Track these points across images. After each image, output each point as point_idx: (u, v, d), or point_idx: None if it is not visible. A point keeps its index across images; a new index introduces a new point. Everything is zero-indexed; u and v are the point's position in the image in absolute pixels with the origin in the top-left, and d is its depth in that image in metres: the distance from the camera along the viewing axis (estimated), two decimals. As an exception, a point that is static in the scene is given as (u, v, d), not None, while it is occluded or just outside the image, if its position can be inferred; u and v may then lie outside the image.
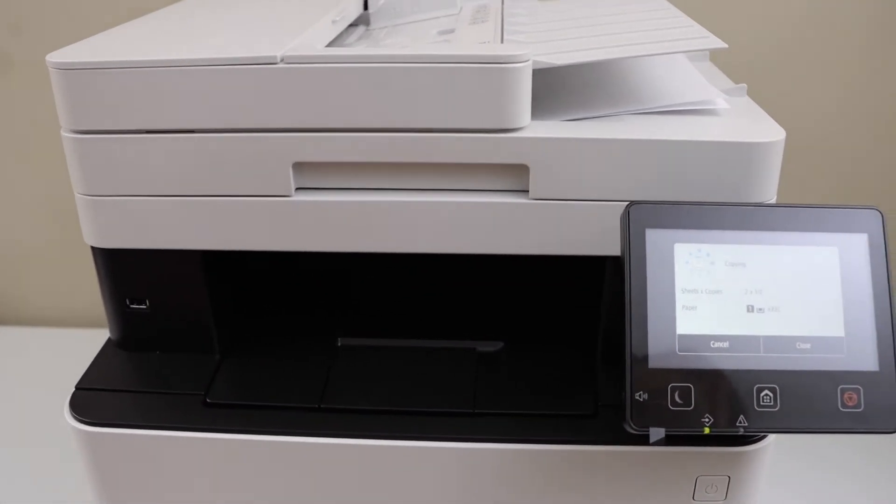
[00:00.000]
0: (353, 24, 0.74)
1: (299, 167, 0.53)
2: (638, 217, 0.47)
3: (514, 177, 0.52)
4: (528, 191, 0.52)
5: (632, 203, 0.47)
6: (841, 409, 0.45)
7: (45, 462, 0.89)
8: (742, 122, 0.53)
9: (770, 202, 0.52)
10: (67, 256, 1.16)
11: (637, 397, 0.45)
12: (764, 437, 0.52)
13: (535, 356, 0.60)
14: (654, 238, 0.47)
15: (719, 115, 0.54)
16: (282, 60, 0.50)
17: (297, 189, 0.54)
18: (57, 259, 1.17)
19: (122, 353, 0.61)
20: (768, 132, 0.51)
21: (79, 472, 0.58)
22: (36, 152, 1.08)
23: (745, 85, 0.59)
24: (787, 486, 0.86)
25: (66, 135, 0.53)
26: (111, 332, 0.62)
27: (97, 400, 0.57)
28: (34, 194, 1.12)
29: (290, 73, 0.50)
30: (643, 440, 0.49)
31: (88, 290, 1.17)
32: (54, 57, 0.52)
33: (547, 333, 0.63)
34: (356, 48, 0.66)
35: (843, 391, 0.45)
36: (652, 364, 0.45)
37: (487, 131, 0.51)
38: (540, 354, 0.60)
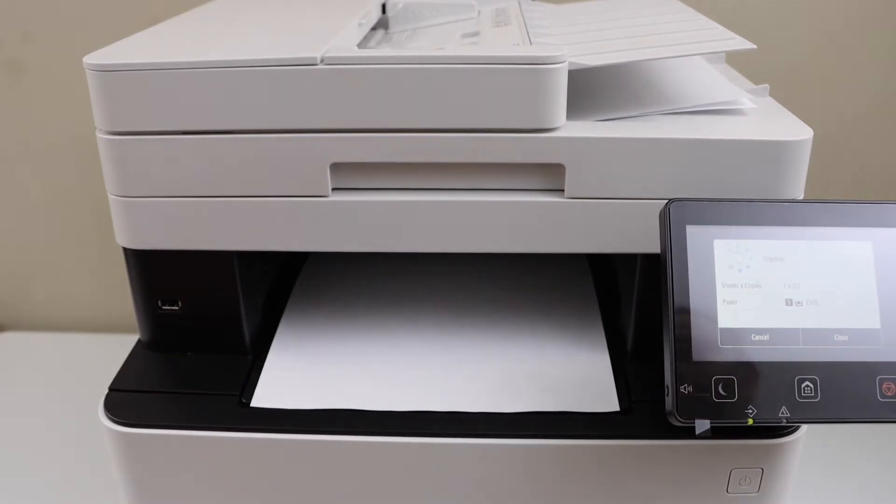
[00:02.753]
0: (372, 28, 0.74)
1: (336, 168, 0.53)
2: (679, 214, 0.48)
3: (550, 176, 0.53)
4: (563, 190, 0.53)
5: (672, 200, 0.48)
6: (880, 398, 0.46)
7: (74, 465, 0.88)
8: (770, 122, 0.54)
9: (798, 199, 0.53)
10: (78, 262, 1.15)
11: (682, 390, 0.46)
12: (797, 428, 0.53)
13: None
14: (695, 234, 0.48)
15: (746, 115, 0.56)
16: (322, 61, 0.50)
17: (333, 189, 0.54)
18: (68, 264, 1.16)
19: (152, 355, 0.61)
20: (797, 131, 0.52)
21: (110, 474, 0.58)
22: (47, 157, 1.08)
23: (767, 85, 0.60)
24: (819, 478, 0.86)
25: (102, 136, 0.53)
26: (141, 333, 0.62)
27: (131, 401, 0.57)
28: (46, 200, 1.12)
29: (330, 73, 0.50)
30: (679, 434, 0.49)
31: (99, 295, 1.17)
32: (92, 58, 0.52)
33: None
34: (389, 50, 0.67)
35: (881, 381, 0.46)
36: (696, 357, 0.46)
37: (524, 131, 0.52)
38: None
